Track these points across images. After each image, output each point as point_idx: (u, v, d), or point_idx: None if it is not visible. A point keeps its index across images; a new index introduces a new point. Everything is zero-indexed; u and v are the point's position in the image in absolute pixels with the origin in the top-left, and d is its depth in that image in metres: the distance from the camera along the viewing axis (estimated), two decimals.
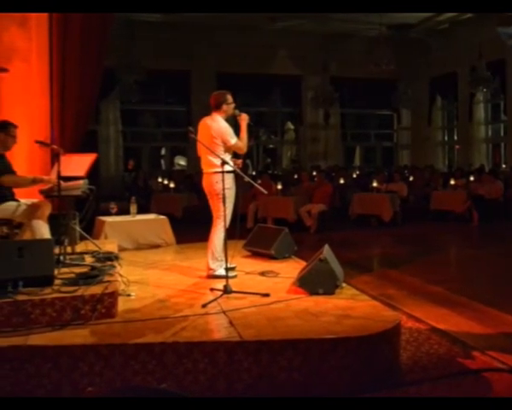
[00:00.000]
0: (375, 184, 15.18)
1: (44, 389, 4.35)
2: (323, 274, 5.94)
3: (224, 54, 20.48)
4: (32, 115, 8.51)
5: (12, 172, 6.55)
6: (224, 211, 6.37)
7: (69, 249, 6.84)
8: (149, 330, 4.84)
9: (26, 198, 6.61)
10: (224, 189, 6.25)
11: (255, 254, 8.13)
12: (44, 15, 8.67)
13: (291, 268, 7.14)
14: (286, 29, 20.59)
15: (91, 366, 4.40)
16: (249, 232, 8.63)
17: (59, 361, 4.38)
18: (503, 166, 21.07)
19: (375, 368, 4.68)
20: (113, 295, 5.16)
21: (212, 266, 6.77)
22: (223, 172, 6.25)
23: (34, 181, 6.48)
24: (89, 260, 6.59)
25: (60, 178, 6.19)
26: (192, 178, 17.95)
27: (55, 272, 5.50)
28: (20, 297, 4.91)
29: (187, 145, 21.11)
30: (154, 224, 9.42)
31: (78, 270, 5.88)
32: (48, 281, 5.26)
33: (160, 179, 18.49)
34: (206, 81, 19.69)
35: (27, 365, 4.36)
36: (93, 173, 7.26)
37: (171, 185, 16.34)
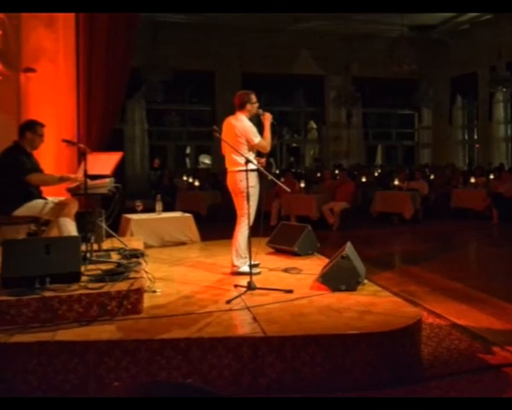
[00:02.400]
0: (396, 183, 15.23)
1: (71, 384, 4.43)
2: (346, 271, 5.98)
3: (247, 54, 20.53)
4: (59, 115, 8.62)
5: (39, 171, 6.67)
6: (248, 209, 6.41)
7: (96, 246, 6.93)
8: (175, 325, 4.90)
9: (53, 196, 6.71)
10: (247, 187, 6.29)
11: (279, 251, 8.17)
12: (71, 16, 8.77)
13: (314, 265, 7.17)
14: (309, 30, 20.55)
15: (117, 361, 4.47)
16: (273, 230, 8.68)
17: (85, 357, 4.46)
18: None
19: (396, 363, 4.70)
20: (139, 292, 5.23)
21: (237, 262, 6.83)
22: (247, 170, 6.30)
23: (61, 179, 6.59)
24: (115, 257, 6.68)
25: (86, 176, 6.28)
26: (216, 177, 18.03)
27: (82, 268, 5.59)
28: (48, 293, 5.01)
29: (211, 144, 21.17)
30: (179, 221, 9.50)
31: (104, 267, 5.96)
32: (74, 277, 5.34)
33: (184, 178, 18.59)
34: (231, 81, 19.75)
35: (54, 360, 4.44)
36: (119, 172, 7.34)
37: (196, 183, 16.45)
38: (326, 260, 7.04)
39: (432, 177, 18.26)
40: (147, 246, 8.36)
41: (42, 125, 6.71)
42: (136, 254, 6.64)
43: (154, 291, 5.94)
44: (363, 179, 17.39)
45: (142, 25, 11.50)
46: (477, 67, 21.07)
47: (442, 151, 23.82)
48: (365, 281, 6.21)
